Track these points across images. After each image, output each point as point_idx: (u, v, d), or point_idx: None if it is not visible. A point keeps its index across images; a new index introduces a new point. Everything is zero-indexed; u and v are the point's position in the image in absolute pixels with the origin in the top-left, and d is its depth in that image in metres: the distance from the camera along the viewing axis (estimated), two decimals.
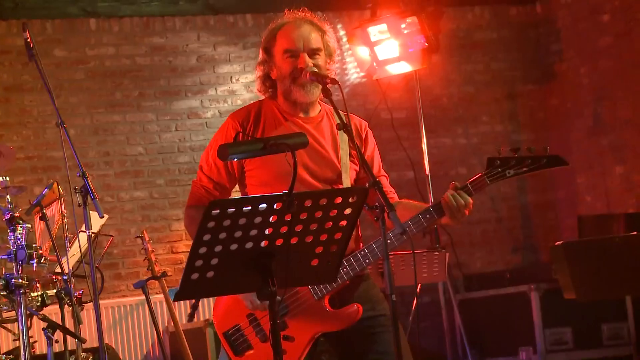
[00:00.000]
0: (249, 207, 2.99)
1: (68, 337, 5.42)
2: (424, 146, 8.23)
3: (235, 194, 4.01)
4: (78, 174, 4.53)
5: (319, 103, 3.97)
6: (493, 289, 7.80)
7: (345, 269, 3.78)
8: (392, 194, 3.99)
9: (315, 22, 3.93)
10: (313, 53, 3.87)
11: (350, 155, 3.90)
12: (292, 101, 3.90)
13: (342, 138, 3.89)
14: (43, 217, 5.64)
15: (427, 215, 3.78)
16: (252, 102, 4.05)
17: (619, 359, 7.38)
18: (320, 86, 3.77)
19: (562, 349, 7.35)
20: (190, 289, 3.10)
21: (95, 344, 5.04)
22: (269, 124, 3.90)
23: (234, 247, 3.03)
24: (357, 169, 3.93)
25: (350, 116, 3.89)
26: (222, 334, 3.94)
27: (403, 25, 7.97)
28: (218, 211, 2.95)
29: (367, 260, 3.80)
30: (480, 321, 7.86)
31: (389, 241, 3.63)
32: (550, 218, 9.18)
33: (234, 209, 2.97)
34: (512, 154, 3.79)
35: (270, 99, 3.96)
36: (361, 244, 3.95)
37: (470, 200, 3.75)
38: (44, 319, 5.21)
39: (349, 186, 3.86)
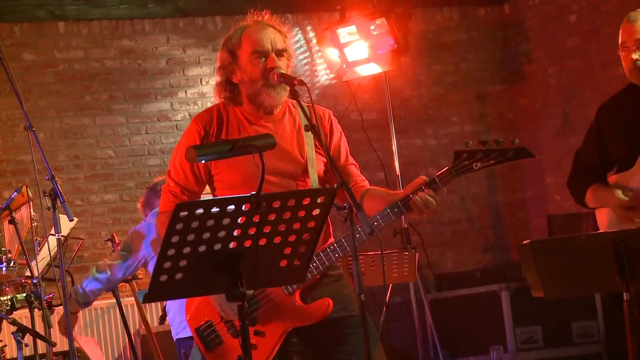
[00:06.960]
0: (217, 209, 2.99)
1: (38, 340, 5.40)
2: (394, 147, 8.25)
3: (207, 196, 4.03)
4: (47, 177, 4.54)
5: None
6: (464, 289, 7.83)
7: (315, 264, 3.80)
8: (363, 182, 4.04)
9: (276, 25, 3.94)
10: (279, 54, 3.88)
11: (317, 147, 3.89)
12: (258, 104, 3.89)
13: (308, 132, 3.88)
14: (12, 221, 5.61)
15: (396, 210, 3.80)
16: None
17: (589, 356, 7.42)
18: (288, 88, 3.78)
19: (533, 347, 7.38)
20: (159, 290, 3.10)
21: (66, 348, 5.03)
22: (232, 128, 3.89)
23: (202, 248, 3.04)
24: (325, 160, 3.92)
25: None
26: (194, 329, 3.95)
27: (372, 27, 7.98)
28: (186, 213, 2.95)
29: (337, 255, 3.82)
30: (451, 321, 7.89)
31: (357, 235, 3.65)
32: (520, 217, 9.24)
33: (202, 211, 2.97)
34: (480, 146, 3.78)
35: (231, 103, 3.96)
36: (331, 240, 3.96)
37: (437, 199, 3.76)
38: (14, 322, 5.19)
39: (316, 179, 3.87)
